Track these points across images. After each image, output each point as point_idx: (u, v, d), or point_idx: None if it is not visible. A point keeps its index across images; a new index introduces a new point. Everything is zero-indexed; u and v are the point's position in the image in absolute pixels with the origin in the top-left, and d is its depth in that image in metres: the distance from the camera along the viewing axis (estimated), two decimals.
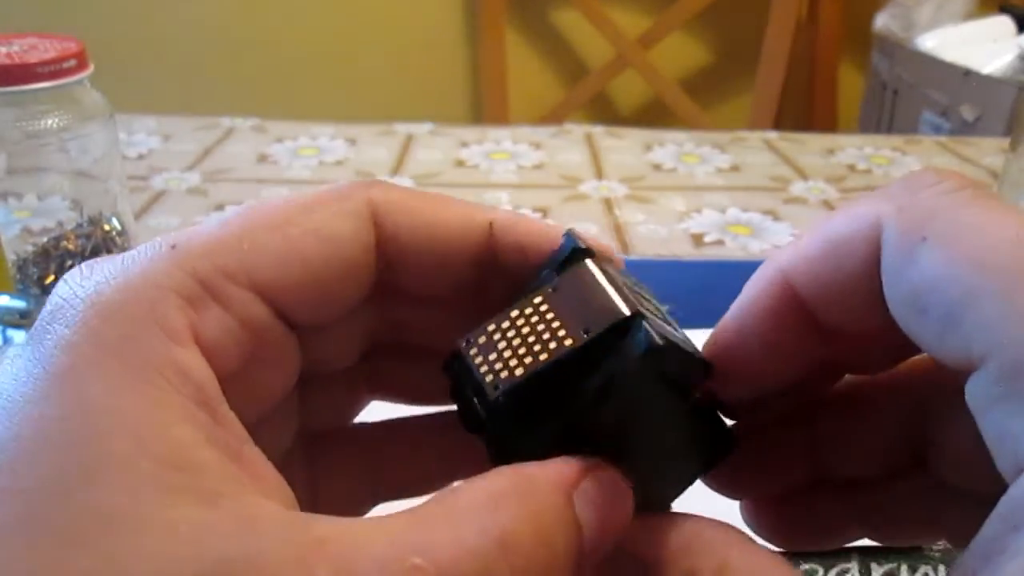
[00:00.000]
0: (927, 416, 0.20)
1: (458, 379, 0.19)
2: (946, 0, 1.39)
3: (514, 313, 0.18)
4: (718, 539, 0.18)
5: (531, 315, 0.18)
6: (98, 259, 0.18)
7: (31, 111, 0.44)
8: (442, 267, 0.20)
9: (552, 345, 0.18)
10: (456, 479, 0.23)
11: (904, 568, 0.31)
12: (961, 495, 0.20)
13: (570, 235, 0.20)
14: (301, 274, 0.18)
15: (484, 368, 0.18)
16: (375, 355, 0.23)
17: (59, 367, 0.15)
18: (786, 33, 1.49)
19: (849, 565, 0.31)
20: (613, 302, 0.18)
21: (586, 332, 0.17)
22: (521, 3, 1.64)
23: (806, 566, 0.31)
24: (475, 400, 0.18)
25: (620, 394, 0.17)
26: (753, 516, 0.22)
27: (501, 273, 0.20)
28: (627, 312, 0.17)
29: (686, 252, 0.59)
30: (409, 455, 0.24)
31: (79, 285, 0.16)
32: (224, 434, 0.16)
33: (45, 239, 0.48)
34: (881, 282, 0.17)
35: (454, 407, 0.20)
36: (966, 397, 0.16)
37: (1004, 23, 1.31)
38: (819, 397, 0.22)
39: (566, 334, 0.18)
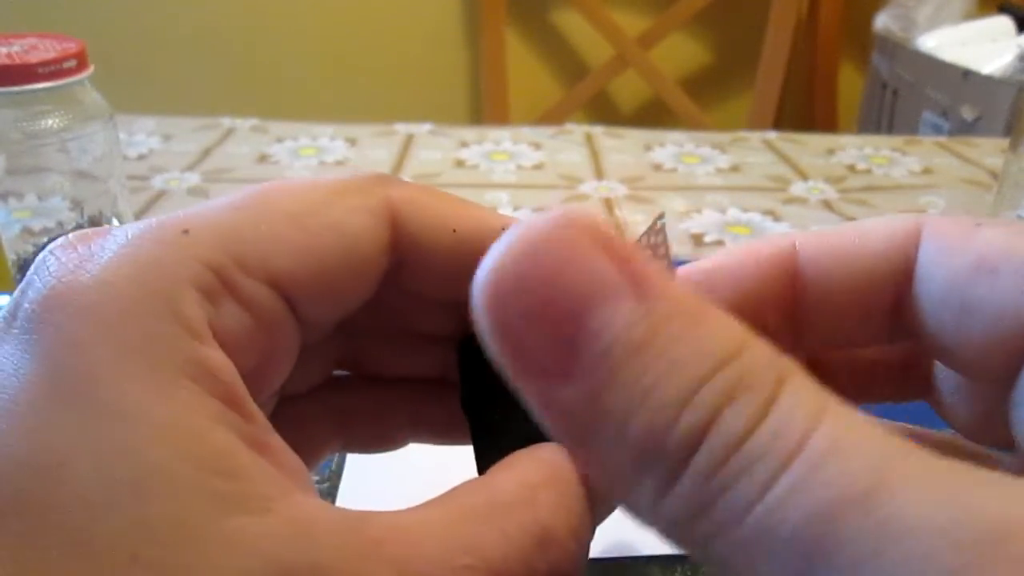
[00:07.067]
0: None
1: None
2: (946, 0, 1.39)
3: None
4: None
5: None
6: (87, 234, 0.16)
7: (31, 111, 0.44)
8: (456, 270, 0.19)
9: None
10: (421, 434, 0.24)
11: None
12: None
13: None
14: (318, 269, 0.17)
15: None
16: (357, 334, 0.23)
17: (74, 369, 0.14)
18: (786, 33, 1.49)
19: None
20: None
21: None
22: (521, 3, 1.64)
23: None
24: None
25: None
26: None
27: None
28: None
29: (686, 252, 0.59)
30: (375, 411, 0.23)
31: (78, 267, 0.15)
32: (253, 430, 0.15)
33: (45, 239, 0.48)
34: (907, 276, 0.17)
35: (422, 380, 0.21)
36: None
37: (1004, 23, 1.31)
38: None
39: None
